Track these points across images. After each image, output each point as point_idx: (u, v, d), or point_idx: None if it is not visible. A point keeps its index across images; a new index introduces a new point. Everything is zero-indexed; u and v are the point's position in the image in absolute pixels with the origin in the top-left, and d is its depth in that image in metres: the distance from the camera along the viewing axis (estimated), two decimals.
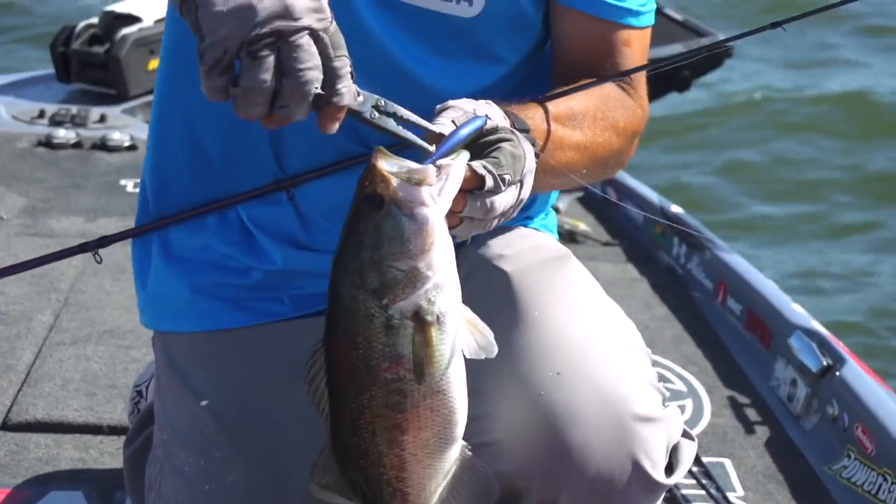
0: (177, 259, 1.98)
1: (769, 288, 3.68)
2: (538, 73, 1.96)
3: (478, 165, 1.48)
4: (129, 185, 4.77)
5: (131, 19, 5.57)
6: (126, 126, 5.34)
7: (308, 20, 1.40)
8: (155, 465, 1.92)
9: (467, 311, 1.49)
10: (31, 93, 5.61)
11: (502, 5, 1.84)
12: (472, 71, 1.86)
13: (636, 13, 1.91)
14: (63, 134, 5.13)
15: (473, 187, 1.48)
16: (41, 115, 5.34)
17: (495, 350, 1.48)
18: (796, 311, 3.51)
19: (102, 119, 5.37)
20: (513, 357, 1.70)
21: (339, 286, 1.45)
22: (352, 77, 1.45)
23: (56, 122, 5.27)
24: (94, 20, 5.64)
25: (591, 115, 1.80)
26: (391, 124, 1.49)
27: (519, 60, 1.91)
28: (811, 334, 3.34)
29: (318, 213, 1.89)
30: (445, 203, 1.43)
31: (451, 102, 1.56)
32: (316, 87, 1.41)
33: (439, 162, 1.45)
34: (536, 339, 1.71)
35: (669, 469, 1.78)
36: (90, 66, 5.53)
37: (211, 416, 1.85)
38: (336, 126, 1.45)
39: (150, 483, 1.93)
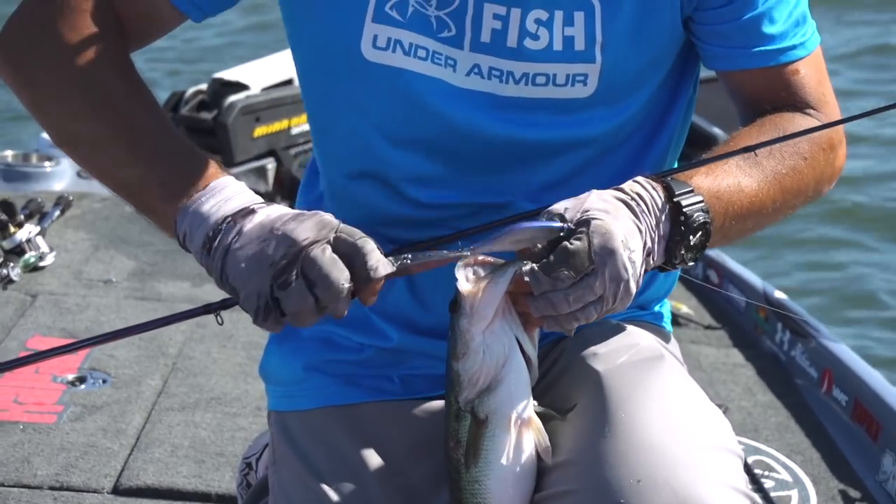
0: (289, 338, 2.02)
1: (876, 379, 3.62)
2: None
3: (526, 270, 1.58)
4: None
5: (239, 87, 5.66)
6: None
7: (310, 236, 1.57)
8: None
9: (532, 418, 1.66)
10: None
11: (619, 79, 1.83)
12: (588, 118, 1.86)
13: (800, 45, 1.87)
14: None
15: (528, 290, 1.59)
16: None
17: (549, 459, 1.67)
18: None
19: None
20: (596, 462, 1.68)
21: None
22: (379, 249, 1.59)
23: None
24: (203, 87, 5.74)
25: (765, 150, 1.80)
26: (423, 257, 1.62)
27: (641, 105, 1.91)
28: None
29: (438, 293, 1.91)
30: (480, 315, 1.59)
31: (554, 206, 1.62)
32: (345, 283, 1.55)
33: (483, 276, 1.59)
34: (620, 444, 1.68)
35: None
36: (197, 131, 5.58)
37: (328, 492, 1.86)
38: (374, 299, 1.60)
39: None
